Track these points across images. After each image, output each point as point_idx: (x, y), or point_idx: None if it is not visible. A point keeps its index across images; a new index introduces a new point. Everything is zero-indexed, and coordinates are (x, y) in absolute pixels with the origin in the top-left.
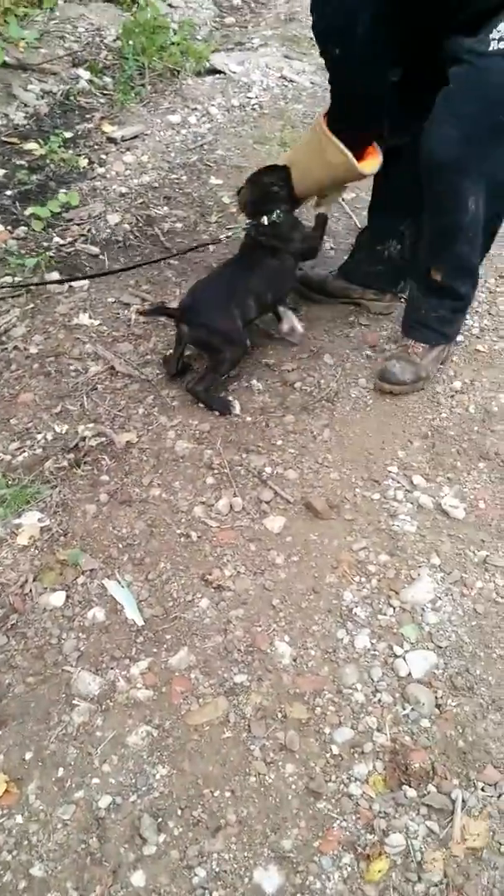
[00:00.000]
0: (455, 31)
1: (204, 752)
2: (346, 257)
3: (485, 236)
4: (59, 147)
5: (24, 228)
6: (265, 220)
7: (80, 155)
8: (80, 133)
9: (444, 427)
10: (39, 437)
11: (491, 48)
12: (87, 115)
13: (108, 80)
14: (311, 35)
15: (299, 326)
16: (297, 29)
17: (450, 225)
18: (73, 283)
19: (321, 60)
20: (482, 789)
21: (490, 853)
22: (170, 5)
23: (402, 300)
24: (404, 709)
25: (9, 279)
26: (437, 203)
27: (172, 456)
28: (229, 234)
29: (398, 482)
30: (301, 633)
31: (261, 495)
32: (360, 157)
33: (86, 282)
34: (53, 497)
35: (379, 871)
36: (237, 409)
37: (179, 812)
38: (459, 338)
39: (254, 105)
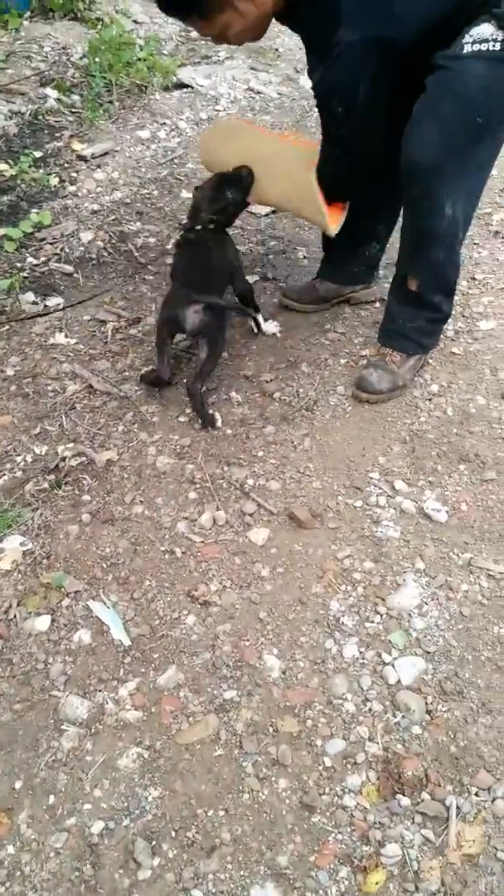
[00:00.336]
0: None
1: (196, 772)
2: (319, 264)
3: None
4: (30, 167)
5: None
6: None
7: (50, 174)
8: (49, 152)
9: (424, 431)
10: (19, 459)
11: (465, 51)
12: (57, 134)
13: (76, 98)
14: (276, 46)
15: (271, 326)
16: (263, 41)
17: (425, 229)
18: (47, 304)
19: (287, 71)
20: (476, 794)
21: (486, 859)
22: (135, 21)
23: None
24: (395, 717)
25: None
26: (414, 207)
27: (154, 472)
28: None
29: (380, 488)
30: (289, 645)
31: (244, 508)
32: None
33: (60, 301)
34: (35, 520)
35: (376, 884)
36: (219, 423)
37: (173, 834)
38: None
39: (222, 117)
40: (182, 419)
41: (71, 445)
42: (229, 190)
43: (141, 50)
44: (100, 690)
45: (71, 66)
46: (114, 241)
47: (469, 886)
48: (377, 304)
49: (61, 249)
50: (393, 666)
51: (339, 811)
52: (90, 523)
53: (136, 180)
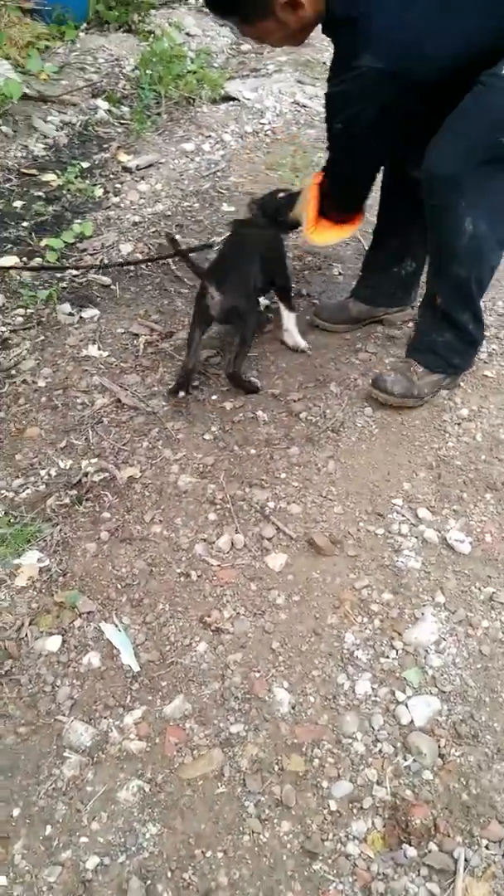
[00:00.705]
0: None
1: (197, 809)
2: (354, 282)
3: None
4: (76, 177)
5: (38, 260)
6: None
7: (95, 185)
8: (96, 163)
9: (451, 456)
10: (43, 472)
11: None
12: (105, 145)
13: (125, 109)
14: (324, 60)
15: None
16: (311, 53)
17: (445, 245)
18: (83, 315)
19: None
20: (486, 847)
21: None
22: (187, 34)
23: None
24: (406, 759)
25: (21, 311)
26: (433, 220)
27: (175, 491)
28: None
29: (403, 515)
30: (300, 678)
31: (263, 531)
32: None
33: (96, 312)
34: (54, 536)
35: None
36: (259, 385)
37: (169, 874)
38: None
39: (266, 131)
40: (207, 437)
41: (95, 461)
42: (282, 192)
43: (192, 62)
44: (105, 717)
45: (123, 77)
46: (152, 254)
47: None
48: (410, 325)
49: (100, 260)
50: (406, 705)
51: (342, 859)
52: (108, 541)
53: (178, 193)
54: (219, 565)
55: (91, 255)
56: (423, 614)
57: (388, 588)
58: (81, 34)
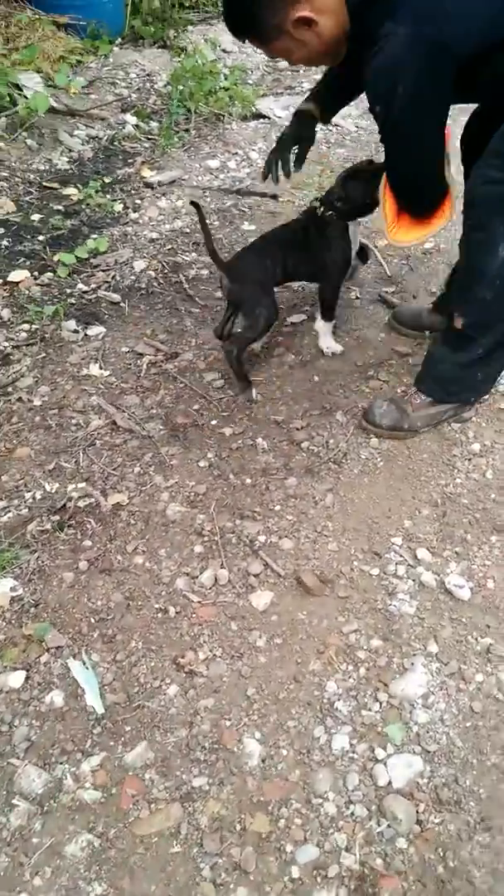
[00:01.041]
0: None
1: (148, 869)
2: (439, 292)
3: None
4: (97, 192)
5: (49, 274)
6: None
7: (115, 200)
8: (119, 178)
9: (458, 494)
10: (28, 496)
11: None
12: (130, 160)
13: (154, 125)
14: None
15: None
16: None
17: (475, 266)
18: (88, 332)
19: (366, 104)
20: None
21: None
22: (223, 50)
23: None
24: (379, 825)
25: (26, 326)
26: (468, 239)
27: (162, 520)
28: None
29: (400, 556)
30: (274, 729)
31: (250, 567)
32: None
33: (101, 330)
34: (31, 563)
35: None
36: (255, 397)
37: None
38: None
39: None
40: (202, 464)
41: (82, 485)
42: (350, 184)
43: (225, 79)
44: (61, 762)
45: (154, 93)
46: (166, 272)
47: None
48: None
49: (112, 277)
50: (385, 764)
51: None
52: (87, 571)
53: None
54: (199, 602)
55: (104, 271)
56: (412, 664)
57: (378, 634)
58: (115, 49)
